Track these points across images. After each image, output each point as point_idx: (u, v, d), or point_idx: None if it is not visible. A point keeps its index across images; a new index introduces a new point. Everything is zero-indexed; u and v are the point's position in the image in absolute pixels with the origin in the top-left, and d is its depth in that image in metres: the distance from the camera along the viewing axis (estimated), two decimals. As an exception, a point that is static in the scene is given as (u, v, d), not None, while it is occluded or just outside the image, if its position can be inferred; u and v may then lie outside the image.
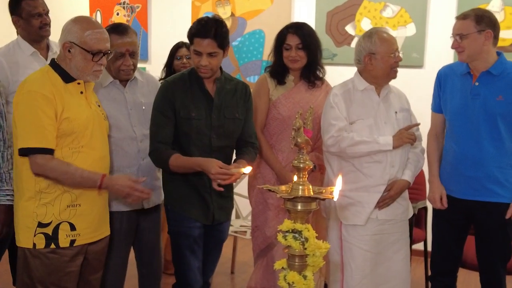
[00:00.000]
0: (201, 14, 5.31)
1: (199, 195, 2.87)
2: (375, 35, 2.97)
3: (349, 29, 4.87)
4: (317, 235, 1.87)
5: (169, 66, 4.14)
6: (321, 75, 3.33)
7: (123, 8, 5.64)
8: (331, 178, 3.08)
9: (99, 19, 5.72)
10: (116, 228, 2.85)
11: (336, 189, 1.84)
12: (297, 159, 1.88)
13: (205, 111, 2.84)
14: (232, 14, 5.23)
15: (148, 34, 5.55)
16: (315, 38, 3.27)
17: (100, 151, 2.56)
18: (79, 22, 2.48)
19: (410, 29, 4.68)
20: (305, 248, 1.84)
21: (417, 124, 3.09)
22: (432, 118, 3.22)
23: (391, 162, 3.00)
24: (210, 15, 2.88)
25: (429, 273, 3.36)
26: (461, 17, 2.93)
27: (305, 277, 1.86)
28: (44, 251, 2.44)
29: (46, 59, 3.30)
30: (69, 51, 2.45)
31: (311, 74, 3.29)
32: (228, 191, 2.96)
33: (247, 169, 2.40)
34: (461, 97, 3.00)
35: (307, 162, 1.88)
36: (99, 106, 2.65)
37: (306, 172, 1.88)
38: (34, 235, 2.44)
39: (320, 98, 3.29)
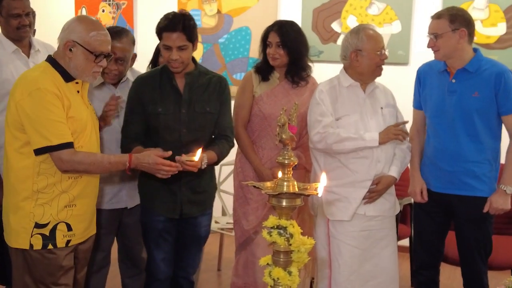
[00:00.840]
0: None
1: (168, 188, 2.86)
2: (362, 32, 2.98)
3: (335, 26, 4.88)
4: (302, 231, 1.87)
5: (155, 63, 4.12)
6: (306, 75, 3.33)
7: (109, 5, 5.61)
8: (318, 174, 3.09)
9: (84, 16, 5.70)
10: (101, 224, 2.87)
11: (321, 185, 1.85)
12: (281, 155, 1.89)
13: (173, 106, 2.84)
14: (219, 11, 5.22)
15: (134, 31, 5.52)
16: (297, 37, 3.27)
17: (96, 150, 2.56)
18: (84, 22, 2.46)
19: (396, 27, 4.70)
20: (290, 244, 1.84)
21: (405, 122, 3.11)
22: (413, 114, 3.27)
23: (377, 157, 3.01)
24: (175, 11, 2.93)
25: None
26: (436, 17, 2.98)
27: (290, 273, 1.87)
28: (42, 252, 2.42)
29: (28, 56, 3.28)
30: (70, 50, 2.42)
31: (295, 73, 3.29)
32: (203, 186, 2.96)
33: (197, 157, 2.43)
34: (439, 94, 3.05)
35: (291, 158, 1.88)
36: (90, 104, 2.64)
37: (291, 168, 1.88)
38: (31, 236, 2.41)
39: (305, 96, 3.30)
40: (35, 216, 2.40)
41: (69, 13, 5.75)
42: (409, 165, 3.23)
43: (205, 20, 5.26)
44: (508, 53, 4.42)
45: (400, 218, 3.99)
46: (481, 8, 4.46)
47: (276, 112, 3.18)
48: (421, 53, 4.61)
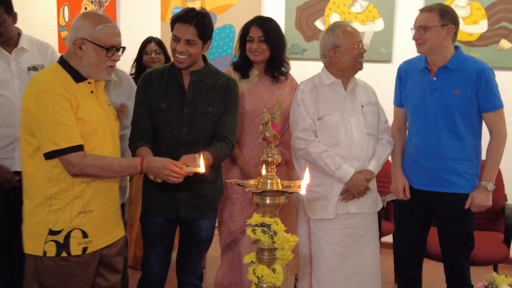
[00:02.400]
0: (171, 9, 5.28)
1: (166, 189, 2.76)
2: (337, 28, 3.00)
3: (318, 24, 4.89)
4: (285, 228, 1.88)
5: (139, 61, 4.12)
6: (285, 71, 3.34)
7: (91, 2, 5.57)
8: (299, 173, 3.10)
9: (66, 14, 5.65)
10: None
11: (304, 182, 1.86)
12: (265, 153, 1.89)
13: (176, 103, 2.78)
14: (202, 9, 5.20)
15: (117, 29, 5.49)
16: (278, 32, 3.28)
17: (111, 152, 2.45)
18: (89, 17, 2.39)
19: (379, 24, 4.72)
20: (274, 242, 1.84)
21: (373, 176, 3.08)
22: (394, 112, 3.29)
23: (354, 156, 3.03)
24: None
25: (398, 265, 3.41)
26: (426, 10, 2.98)
27: (274, 270, 1.87)
28: (56, 259, 2.36)
29: (10, 53, 3.25)
30: (80, 48, 2.35)
31: (275, 69, 3.29)
32: (205, 190, 2.88)
33: (202, 168, 2.32)
34: (420, 92, 3.07)
35: (275, 156, 1.88)
36: (109, 105, 2.58)
37: (274, 166, 1.88)
38: (45, 243, 2.35)
39: (285, 92, 3.31)
40: (49, 223, 2.34)
41: (51, 11, 5.73)
42: (391, 163, 3.25)
43: (188, 18, 5.24)
44: (489, 51, 4.47)
45: (384, 215, 4.02)
46: (462, 5, 4.50)
47: (258, 109, 3.18)
48: (404, 51, 4.64)
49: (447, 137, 3.00)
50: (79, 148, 2.29)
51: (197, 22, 2.71)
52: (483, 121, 3.04)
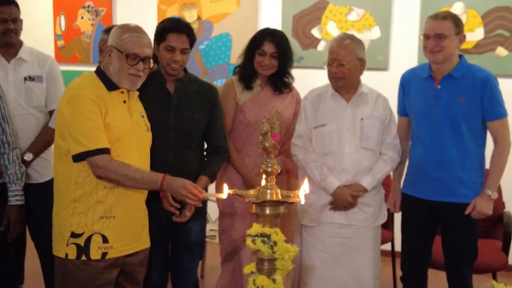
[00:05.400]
0: (167, 18, 5.28)
1: (154, 195, 2.69)
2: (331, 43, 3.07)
3: (315, 32, 4.90)
4: (285, 238, 1.87)
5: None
6: (288, 82, 3.34)
7: (88, 11, 5.57)
8: (300, 179, 3.18)
9: (63, 23, 5.65)
10: None
11: (301, 192, 1.86)
12: (265, 163, 1.89)
13: (162, 110, 2.83)
14: (199, 18, 5.21)
15: (113, 38, 5.49)
16: (289, 47, 3.27)
17: (136, 162, 2.45)
18: (121, 26, 2.49)
19: (375, 32, 4.74)
20: (274, 252, 1.84)
21: (363, 191, 3.05)
22: (397, 121, 3.25)
23: (343, 168, 3.03)
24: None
25: (397, 273, 3.39)
26: (441, 18, 2.93)
27: (274, 280, 1.87)
28: (76, 262, 2.39)
29: (9, 63, 3.27)
30: (110, 55, 2.43)
31: (279, 81, 3.29)
32: None
33: (225, 194, 2.17)
34: (424, 100, 3.04)
35: (274, 166, 1.89)
36: (142, 116, 2.60)
37: (274, 176, 1.88)
38: (67, 245, 2.39)
39: (286, 102, 3.31)
40: (71, 226, 2.39)
41: (48, 20, 5.72)
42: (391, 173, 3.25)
43: (185, 27, 5.25)
44: (486, 58, 4.48)
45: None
46: (459, 13, 4.47)
47: (260, 118, 3.17)
48: (401, 59, 4.68)
49: (452, 146, 2.97)
50: (106, 151, 2.34)
51: (188, 32, 2.81)
52: (487, 130, 3.02)
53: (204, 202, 2.99)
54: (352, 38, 3.03)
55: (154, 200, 2.78)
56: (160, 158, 2.71)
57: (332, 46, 3.04)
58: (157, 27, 2.87)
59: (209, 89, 2.98)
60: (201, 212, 3.00)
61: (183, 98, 2.88)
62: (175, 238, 3.01)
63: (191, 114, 2.88)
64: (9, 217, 2.91)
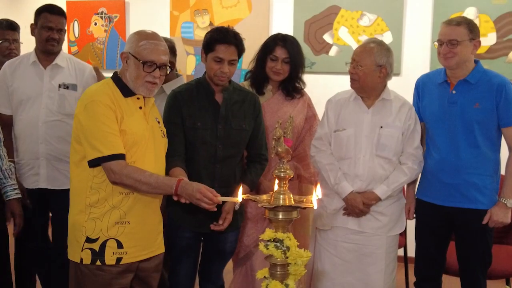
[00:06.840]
0: (180, 24, 5.31)
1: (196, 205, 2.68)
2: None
3: (327, 37, 4.91)
4: (298, 243, 1.88)
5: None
6: (300, 87, 3.34)
7: (101, 18, 5.61)
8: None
9: (76, 29, 5.70)
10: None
11: (314, 197, 1.86)
12: (277, 169, 1.90)
13: (211, 121, 2.82)
14: (211, 24, 5.23)
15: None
16: (300, 52, 3.28)
17: (152, 167, 2.46)
18: (138, 33, 2.49)
19: (387, 37, 4.73)
20: (287, 257, 1.85)
21: (376, 200, 3.01)
22: None
23: (357, 175, 3.00)
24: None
25: (410, 279, 3.38)
26: (454, 24, 2.93)
27: (287, 286, 1.88)
28: (91, 267, 2.41)
29: (45, 69, 3.33)
30: (126, 62, 2.45)
31: (290, 86, 3.29)
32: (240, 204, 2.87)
33: (240, 197, 2.18)
34: (439, 105, 3.03)
35: (287, 171, 1.89)
36: (158, 122, 2.61)
37: (287, 181, 1.89)
38: (82, 250, 2.41)
39: (298, 107, 3.31)
40: (86, 230, 2.40)
41: (61, 27, 5.77)
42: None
43: (197, 33, 5.28)
44: (498, 63, 4.46)
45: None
46: (471, 18, 4.48)
47: (272, 124, 3.18)
48: (413, 64, 4.67)
49: (466, 152, 2.95)
50: (121, 156, 2.35)
51: (236, 43, 2.77)
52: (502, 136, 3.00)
53: (243, 212, 3.04)
54: (378, 43, 3.00)
55: (200, 210, 2.76)
56: (208, 169, 2.71)
57: (357, 46, 3.05)
58: (205, 37, 2.83)
59: (252, 97, 2.97)
60: (236, 226, 2.99)
61: (230, 108, 2.86)
62: (211, 246, 3.01)
63: (239, 124, 2.86)
64: (14, 210, 2.98)
